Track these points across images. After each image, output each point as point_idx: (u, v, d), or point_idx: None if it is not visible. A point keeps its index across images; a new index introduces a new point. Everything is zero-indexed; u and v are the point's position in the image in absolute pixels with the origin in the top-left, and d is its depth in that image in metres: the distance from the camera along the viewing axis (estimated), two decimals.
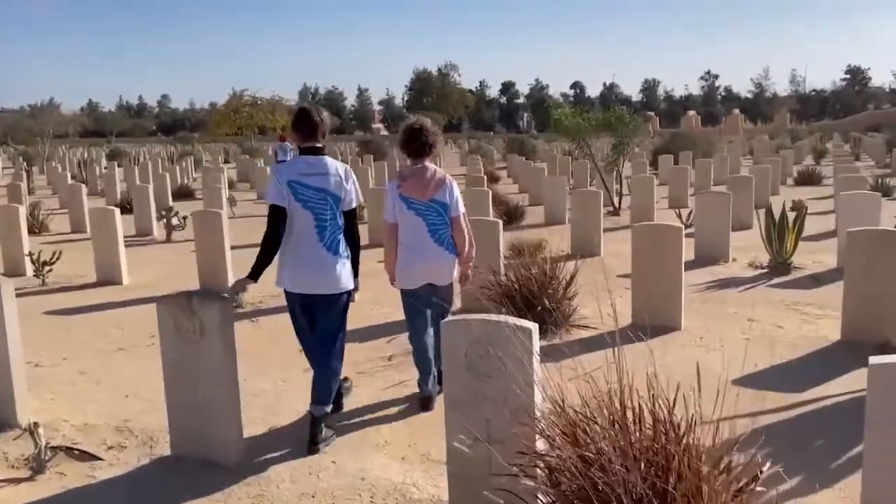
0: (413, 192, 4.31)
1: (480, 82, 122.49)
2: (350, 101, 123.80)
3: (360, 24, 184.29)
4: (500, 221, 6.86)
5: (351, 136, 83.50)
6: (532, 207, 14.41)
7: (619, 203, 14.31)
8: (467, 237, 4.47)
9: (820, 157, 29.95)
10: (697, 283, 8.03)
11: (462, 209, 4.48)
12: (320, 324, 4.03)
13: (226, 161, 40.42)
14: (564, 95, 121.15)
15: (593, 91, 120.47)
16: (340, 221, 3.99)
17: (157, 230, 12.96)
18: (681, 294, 6.20)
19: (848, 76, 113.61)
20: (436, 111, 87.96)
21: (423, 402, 4.54)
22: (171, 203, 17.31)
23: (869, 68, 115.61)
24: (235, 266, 8.59)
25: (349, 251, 4.06)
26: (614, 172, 14.38)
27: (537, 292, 5.98)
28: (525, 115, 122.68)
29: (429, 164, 4.42)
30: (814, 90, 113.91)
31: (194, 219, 8.25)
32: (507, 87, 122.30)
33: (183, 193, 19.62)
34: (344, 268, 4.00)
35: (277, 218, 3.88)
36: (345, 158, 35.84)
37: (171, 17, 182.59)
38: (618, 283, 7.92)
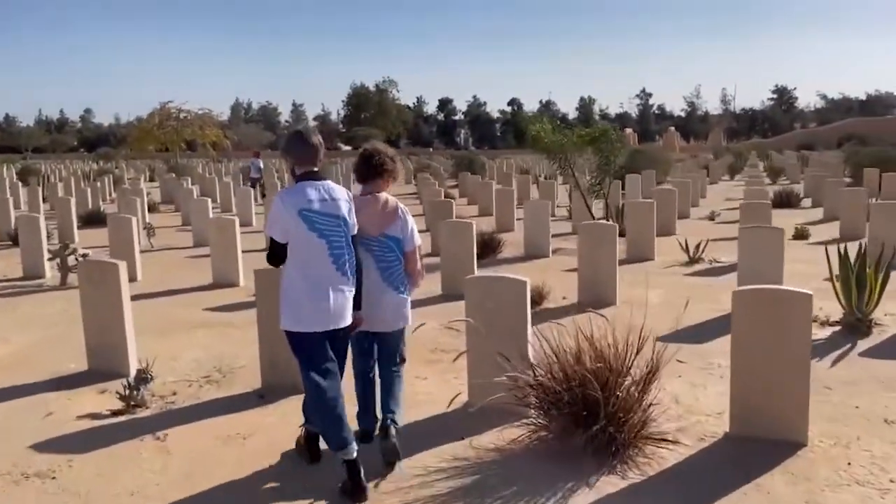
0: (363, 225, 3.93)
1: (418, 98, 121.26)
2: (284, 116, 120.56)
3: (294, 38, 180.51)
4: (527, 283, 4.78)
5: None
6: (499, 235, 12.53)
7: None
8: (420, 270, 4.28)
9: (777, 175, 29.11)
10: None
11: (418, 241, 4.23)
12: (340, 351, 3.89)
13: (151, 179, 37.25)
14: (503, 112, 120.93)
15: (530, 108, 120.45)
16: (351, 247, 3.77)
17: (50, 272, 10.40)
18: (807, 389, 4.23)
19: (775, 96, 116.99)
20: (374, 127, 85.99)
21: (363, 436, 4.17)
22: (76, 232, 14.70)
23: (795, 88, 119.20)
24: (142, 332, 6.26)
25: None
26: (599, 195, 12.55)
27: (598, 396, 3.93)
28: (463, 131, 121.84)
29: (382, 194, 4.09)
30: (743, 109, 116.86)
31: (80, 272, 5.89)
32: (445, 104, 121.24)
33: (94, 220, 16.89)
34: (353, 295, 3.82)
35: (281, 256, 3.70)
36: (281, 176, 33.38)
37: (95, 28, 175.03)
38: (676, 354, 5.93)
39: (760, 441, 4.21)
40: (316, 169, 3.77)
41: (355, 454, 3.64)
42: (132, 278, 10.02)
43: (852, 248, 8.00)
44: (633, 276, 9.39)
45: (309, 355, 3.69)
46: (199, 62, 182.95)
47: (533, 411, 4.17)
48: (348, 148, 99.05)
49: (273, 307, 5.00)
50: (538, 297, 7.72)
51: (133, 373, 5.45)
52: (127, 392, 4.99)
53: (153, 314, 7.86)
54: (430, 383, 5.45)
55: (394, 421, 4.07)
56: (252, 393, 5.32)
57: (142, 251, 11.26)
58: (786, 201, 17.98)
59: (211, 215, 13.52)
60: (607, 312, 7.73)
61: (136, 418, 4.89)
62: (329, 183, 3.77)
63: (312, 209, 3.62)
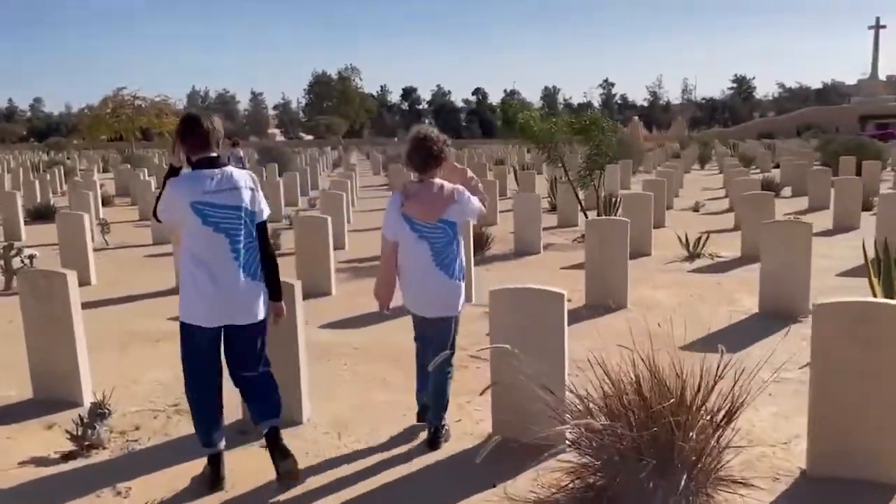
0: (417, 213, 3.87)
1: (381, 87, 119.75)
2: (243, 105, 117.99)
3: (253, 24, 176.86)
4: (564, 296, 4.03)
5: (246, 143, 78.66)
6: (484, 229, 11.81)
7: None
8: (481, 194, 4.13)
9: (749, 164, 28.89)
10: None
11: (477, 207, 4.06)
12: (238, 357, 3.65)
13: (104, 170, 35.60)
14: (467, 101, 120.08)
15: (495, 97, 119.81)
16: (256, 241, 3.55)
17: None
18: None
19: (735, 85, 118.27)
20: (337, 116, 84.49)
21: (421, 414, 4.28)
22: (23, 229, 13.55)
23: (754, 77, 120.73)
24: (96, 348, 5.39)
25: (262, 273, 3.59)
26: (588, 186, 11.87)
27: (674, 440, 3.21)
28: (427, 120, 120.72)
29: (436, 179, 3.94)
30: (703, 98, 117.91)
31: (21, 282, 4.98)
32: (409, 93, 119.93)
33: (43, 215, 15.70)
34: (263, 292, 3.59)
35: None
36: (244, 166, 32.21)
37: (48, 16, 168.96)
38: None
39: (848, 483, 3.56)
40: (214, 155, 3.48)
41: (218, 450, 3.65)
42: (84, 282, 9.03)
43: (852, 240, 7.46)
44: (636, 274, 8.72)
45: (193, 348, 3.54)
46: (154, 50, 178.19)
47: (578, 452, 3.44)
48: (310, 137, 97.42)
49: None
50: None
51: (87, 402, 4.60)
52: (80, 431, 4.14)
53: (109, 325, 6.95)
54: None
55: (438, 430, 4.11)
56: (232, 426, 4.50)
57: (95, 250, 10.27)
58: (766, 191, 17.55)
59: None
60: (619, 316, 7.18)
61: (91, 464, 4.05)
62: (229, 170, 3.48)
63: (206, 201, 3.38)
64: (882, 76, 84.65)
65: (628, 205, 10.35)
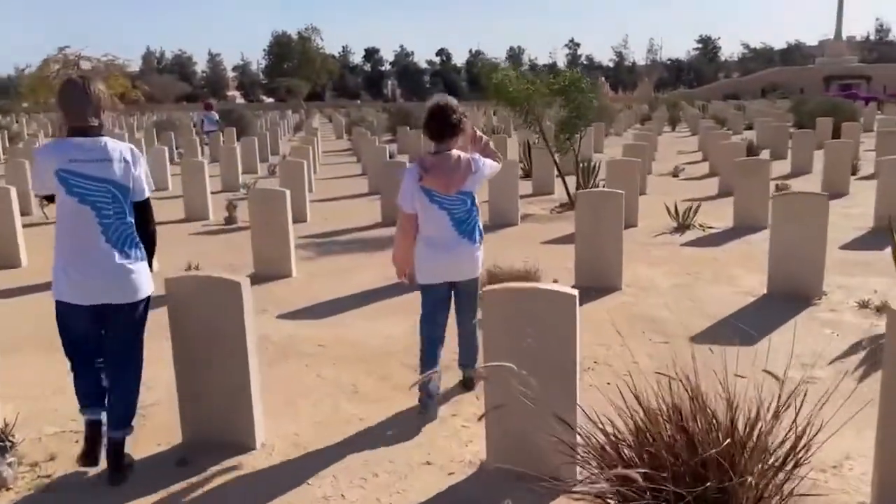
0: (436, 186, 3.88)
1: (343, 48, 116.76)
2: (201, 66, 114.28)
3: None
4: (576, 298, 3.27)
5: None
6: None
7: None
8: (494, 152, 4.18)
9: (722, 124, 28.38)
10: None
11: (491, 166, 4.08)
12: (113, 339, 3.42)
13: (53, 135, 33.80)
14: (431, 63, 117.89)
15: (459, 58, 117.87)
16: (130, 217, 3.35)
17: None
18: None
19: (700, 45, 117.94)
20: (298, 78, 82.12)
21: (429, 408, 4.02)
22: None
23: (719, 38, 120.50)
24: (17, 348, 4.54)
25: (144, 251, 3.42)
26: (567, 151, 11.12)
27: (733, 486, 2.51)
28: (390, 82, 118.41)
29: (454, 150, 3.93)
30: (669, 59, 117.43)
31: None
32: (371, 54, 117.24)
33: None
34: (140, 272, 3.37)
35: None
36: (199, 130, 30.74)
37: None
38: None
39: None
40: (93, 124, 3.28)
41: (96, 418, 3.41)
42: (13, 264, 8.08)
43: (845, 208, 6.88)
44: (626, 248, 8.05)
45: (63, 325, 3.38)
46: (109, 8, 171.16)
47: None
48: (271, 100, 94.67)
49: (190, 309, 3.45)
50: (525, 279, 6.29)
51: None
52: None
53: (37, 317, 6.05)
54: (428, 436, 3.90)
55: (470, 378, 4.30)
56: (169, 453, 3.71)
57: (30, 225, 9.27)
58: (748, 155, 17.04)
59: None
60: (615, 299, 6.52)
61: None
62: (105, 140, 3.29)
63: (72, 170, 3.21)
64: (845, 37, 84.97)
65: (612, 171, 9.63)
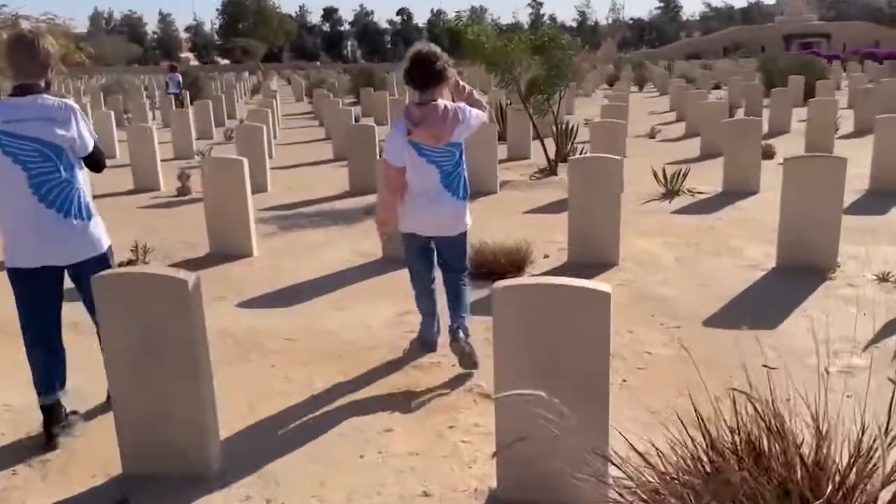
0: (426, 139, 3.77)
1: (300, 7, 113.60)
2: (151, 27, 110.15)
3: None
4: (610, 296, 2.65)
5: (157, 68, 73.41)
6: None
7: (559, 156, 10.49)
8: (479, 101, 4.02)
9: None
10: None
11: (475, 118, 3.90)
12: (85, 302, 3.36)
13: None
14: (392, 23, 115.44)
15: (420, 19, 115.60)
16: (71, 174, 3.26)
17: None
18: None
19: (662, 5, 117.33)
20: (254, 38, 79.46)
21: (426, 345, 4.18)
22: None
23: None
24: None
25: (89, 209, 3.36)
26: (546, 113, 10.46)
27: None
28: (350, 43, 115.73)
29: (440, 100, 3.78)
30: (631, 19, 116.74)
31: None
32: (330, 13, 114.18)
33: None
34: (88, 228, 3.32)
35: None
36: (151, 94, 29.27)
37: None
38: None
39: None
40: (37, 82, 3.24)
41: (53, 400, 3.36)
42: None
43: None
44: None
45: (20, 295, 3.34)
46: None
47: None
48: (226, 61, 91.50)
49: (124, 314, 2.81)
50: (520, 261, 5.69)
51: None
52: None
53: None
54: (424, 455, 3.28)
55: (464, 328, 4.06)
56: (105, 487, 3.05)
57: None
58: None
59: None
60: (614, 276, 5.89)
61: None
62: (42, 98, 3.22)
63: (6, 130, 3.15)
64: None
65: (596, 134, 9.02)
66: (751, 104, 17.74)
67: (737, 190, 8.57)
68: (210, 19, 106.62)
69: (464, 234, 4.06)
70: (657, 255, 6.14)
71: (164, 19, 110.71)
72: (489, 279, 5.55)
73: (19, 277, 3.29)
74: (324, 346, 4.44)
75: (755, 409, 2.15)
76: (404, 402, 3.68)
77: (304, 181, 10.73)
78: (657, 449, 2.25)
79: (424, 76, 3.76)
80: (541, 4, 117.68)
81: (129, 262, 6.30)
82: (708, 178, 9.43)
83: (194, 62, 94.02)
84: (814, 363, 3.93)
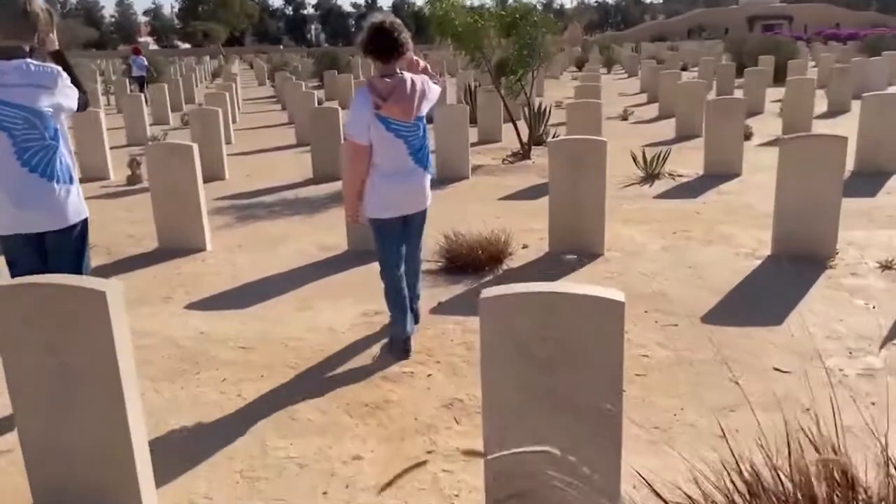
0: (397, 114, 3.63)
1: None
2: (109, 10, 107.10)
3: None
4: (624, 305, 2.19)
5: (114, 52, 71.33)
6: None
7: (531, 140, 10.05)
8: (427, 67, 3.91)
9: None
10: None
11: (438, 90, 3.88)
12: (56, 267, 3.27)
13: None
14: (356, 5, 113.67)
15: (385, 2, 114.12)
16: (55, 138, 3.20)
17: None
18: None
19: (541, 13, 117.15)
20: (215, 22, 77.61)
21: (403, 345, 3.84)
22: None
23: None
24: None
25: (72, 175, 3.30)
26: (517, 93, 10.00)
27: None
28: (314, 27, 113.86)
29: (405, 74, 3.69)
30: (596, 1, 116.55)
31: None
32: None
33: None
34: (69, 194, 3.27)
35: None
36: (107, 79, 28.11)
37: None
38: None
39: None
40: (21, 46, 3.11)
41: None
42: None
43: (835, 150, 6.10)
44: None
45: (9, 262, 3.32)
46: None
47: None
48: (186, 46, 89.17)
49: (32, 331, 2.32)
50: (498, 253, 5.24)
51: None
52: None
53: None
54: (399, 489, 2.81)
55: (417, 312, 4.14)
56: None
57: None
58: None
59: None
60: (600, 268, 5.46)
61: None
62: (27, 63, 3.09)
63: None
64: None
65: (573, 116, 8.59)
66: (722, 85, 17.50)
67: (718, 173, 8.23)
68: (170, 2, 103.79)
69: (426, 210, 4.00)
70: (643, 244, 5.73)
71: (122, 2, 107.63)
72: (465, 273, 5.13)
73: (6, 246, 3.28)
74: (283, 355, 3.94)
75: (815, 449, 1.72)
76: (374, 422, 3.21)
77: (264, 167, 10.15)
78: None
79: (388, 47, 3.62)
80: None
81: None
82: (687, 161, 9.09)
83: (154, 46, 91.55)
84: (828, 364, 3.55)
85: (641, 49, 41.40)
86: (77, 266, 3.35)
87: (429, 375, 3.60)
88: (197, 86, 25.20)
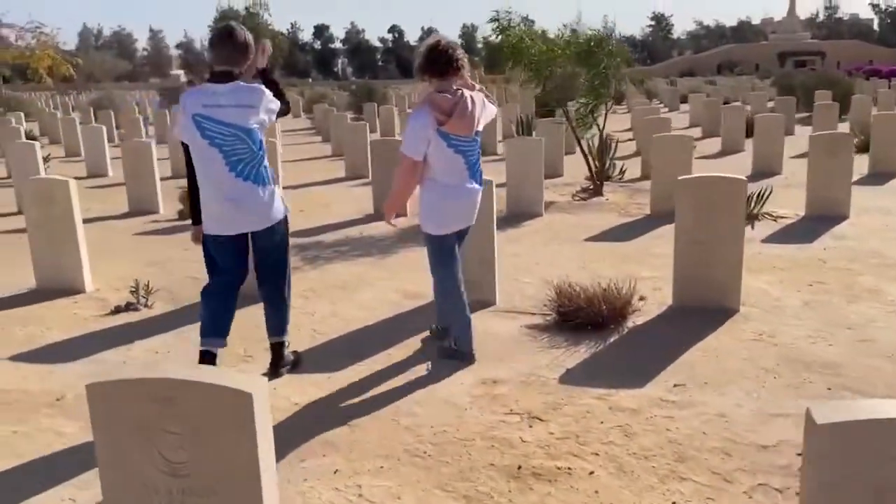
0: (460, 130, 3.73)
1: (292, 24, 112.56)
2: (141, 43, 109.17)
3: None
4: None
5: (148, 84, 72.29)
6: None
7: (601, 175, 9.39)
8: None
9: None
10: None
11: (492, 105, 3.99)
12: (264, 260, 3.83)
13: None
14: (382, 40, 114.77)
15: (412, 36, 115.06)
16: (259, 149, 3.58)
17: None
18: None
19: (653, 23, 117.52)
20: None
21: (464, 357, 3.98)
22: None
23: (672, 15, 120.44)
24: None
25: (273, 179, 3.72)
26: (588, 126, 9.38)
27: None
28: (341, 60, 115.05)
29: (464, 91, 3.75)
30: (623, 36, 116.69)
31: None
32: (321, 31, 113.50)
33: None
34: (273, 196, 3.67)
35: (187, 156, 3.62)
36: (142, 110, 28.03)
37: None
38: None
39: None
40: (235, 70, 3.55)
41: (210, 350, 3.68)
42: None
43: None
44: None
45: (211, 258, 3.72)
46: None
47: None
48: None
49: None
50: (621, 308, 4.53)
51: None
52: None
53: None
54: None
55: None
56: None
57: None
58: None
59: (42, 166, 9.33)
60: (740, 328, 4.51)
61: None
62: (237, 85, 3.52)
63: (206, 115, 3.46)
64: (799, 13, 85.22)
65: (660, 150, 7.92)
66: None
67: (822, 214, 7.48)
68: (200, 37, 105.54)
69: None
70: (779, 298, 5.00)
71: (155, 35, 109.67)
72: (584, 330, 4.42)
73: (215, 243, 3.65)
74: (399, 436, 3.25)
75: None
76: None
77: (316, 202, 9.59)
78: None
79: (444, 63, 3.71)
80: (532, 22, 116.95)
81: (128, 306, 5.13)
82: (779, 201, 8.35)
83: (184, 79, 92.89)
84: None
85: (677, 83, 40.85)
86: (284, 258, 3.85)
87: (591, 474, 2.89)
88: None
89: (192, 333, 4.65)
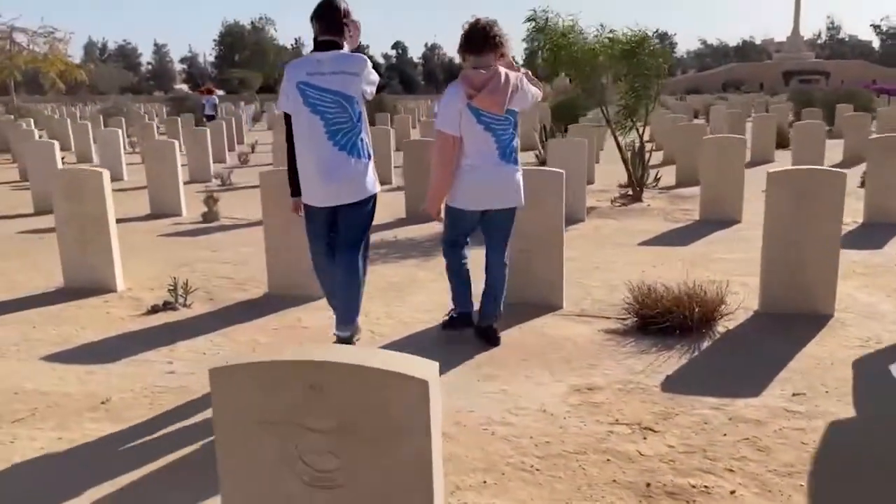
0: (489, 106, 3.66)
1: (296, 40, 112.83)
2: (146, 57, 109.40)
3: None
4: None
5: (152, 98, 72.33)
6: None
7: (642, 180, 9.05)
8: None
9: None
10: None
11: (535, 91, 3.86)
12: (345, 233, 3.72)
13: None
14: (386, 56, 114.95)
15: (415, 52, 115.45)
16: (359, 119, 3.58)
17: None
18: None
19: (657, 41, 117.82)
20: (250, 69, 78.64)
21: (466, 321, 4.09)
22: None
23: (675, 34, 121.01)
24: None
25: (371, 154, 3.68)
26: (630, 130, 9.05)
27: None
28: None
29: (499, 68, 3.69)
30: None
31: None
32: None
33: None
34: (368, 170, 3.65)
35: (288, 129, 3.66)
36: (151, 119, 27.70)
37: None
38: None
39: None
40: (335, 39, 3.56)
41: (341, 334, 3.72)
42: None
43: None
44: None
45: (311, 227, 3.76)
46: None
47: None
48: (221, 92, 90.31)
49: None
50: (712, 311, 4.15)
51: None
52: None
53: None
54: None
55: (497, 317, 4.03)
56: None
57: None
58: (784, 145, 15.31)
59: (60, 165, 9.00)
60: (840, 334, 4.02)
61: None
62: (338, 53, 3.55)
63: (309, 82, 3.50)
64: (803, 32, 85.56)
65: (710, 153, 7.58)
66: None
67: (883, 221, 7.14)
68: (203, 52, 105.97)
69: (515, 210, 3.90)
70: (872, 304, 4.62)
71: (159, 50, 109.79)
72: (670, 335, 4.04)
73: (310, 213, 3.70)
74: (496, 447, 2.86)
75: None
76: None
77: None
78: None
79: (481, 38, 3.66)
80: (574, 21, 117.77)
81: (166, 306, 4.75)
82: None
83: (188, 92, 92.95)
84: None
85: (686, 99, 40.71)
86: (363, 237, 3.74)
87: (732, 493, 2.50)
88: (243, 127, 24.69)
89: (239, 334, 4.30)
